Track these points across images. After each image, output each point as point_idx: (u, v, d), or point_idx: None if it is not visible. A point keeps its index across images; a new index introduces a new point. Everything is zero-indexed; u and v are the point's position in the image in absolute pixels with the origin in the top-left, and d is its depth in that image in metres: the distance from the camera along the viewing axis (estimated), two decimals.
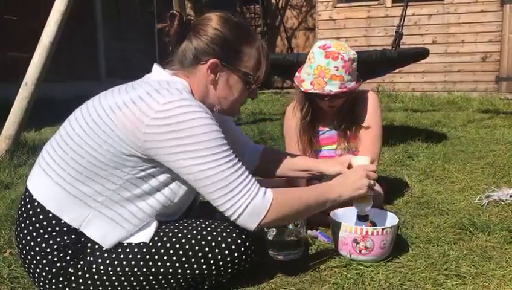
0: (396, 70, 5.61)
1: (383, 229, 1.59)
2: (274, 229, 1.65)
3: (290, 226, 1.65)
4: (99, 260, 1.35)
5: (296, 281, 1.53)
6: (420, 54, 3.85)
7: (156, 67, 1.46)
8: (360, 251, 1.58)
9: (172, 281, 1.37)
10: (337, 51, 1.95)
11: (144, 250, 1.36)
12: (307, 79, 2.01)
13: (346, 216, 1.72)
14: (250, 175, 1.36)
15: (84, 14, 7.28)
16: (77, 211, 1.33)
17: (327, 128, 2.18)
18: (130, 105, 1.29)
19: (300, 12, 9.32)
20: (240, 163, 1.35)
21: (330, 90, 1.95)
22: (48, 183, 1.34)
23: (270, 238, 1.64)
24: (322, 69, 1.95)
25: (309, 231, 1.86)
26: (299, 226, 1.65)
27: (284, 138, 2.31)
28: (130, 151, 1.29)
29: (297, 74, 2.11)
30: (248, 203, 1.32)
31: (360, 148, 2.08)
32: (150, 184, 1.35)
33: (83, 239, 1.35)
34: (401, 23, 3.76)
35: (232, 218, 1.33)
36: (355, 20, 7.83)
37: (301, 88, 2.03)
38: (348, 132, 2.10)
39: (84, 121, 1.34)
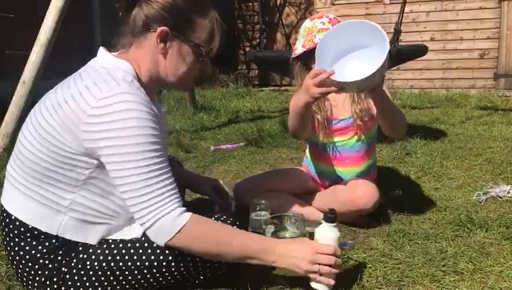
0: (395, 67, 5.61)
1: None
2: (272, 226, 1.64)
3: (288, 223, 1.65)
4: (93, 257, 1.35)
5: (293, 276, 1.53)
6: (419, 50, 3.85)
7: (100, 51, 1.41)
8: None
9: (167, 274, 1.37)
10: (321, 14, 2.01)
11: (137, 245, 1.36)
12: (298, 45, 1.99)
13: (332, 46, 1.61)
14: (173, 189, 1.28)
15: (81, 11, 7.26)
16: (51, 218, 1.32)
17: (339, 118, 2.05)
18: (70, 102, 1.25)
19: (299, 10, 9.29)
20: (167, 174, 1.28)
21: (320, 39, 1.83)
22: (18, 197, 1.34)
23: (268, 235, 1.64)
24: (310, 28, 1.96)
25: (308, 228, 1.86)
26: (297, 222, 1.64)
27: (284, 133, 2.28)
28: (76, 150, 1.27)
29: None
30: (156, 219, 1.24)
31: None
32: (108, 182, 1.32)
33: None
34: (400, 20, 3.76)
35: (143, 228, 1.27)
36: (354, 17, 7.81)
37: (294, 54, 2.00)
38: (361, 109, 1.98)
39: (33, 126, 1.31)
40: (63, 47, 4.37)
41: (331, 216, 1.39)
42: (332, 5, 8.03)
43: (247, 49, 9.10)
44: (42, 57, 3.23)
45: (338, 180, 2.06)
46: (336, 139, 2.05)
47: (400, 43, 3.79)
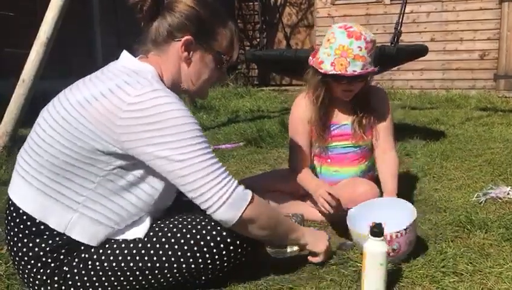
0: (395, 68, 5.61)
1: (405, 229, 1.55)
2: None
3: None
4: (95, 257, 1.35)
5: (293, 278, 1.53)
6: (419, 51, 3.85)
7: (125, 54, 1.43)
8: (388, 254, 1.43)
9: (168, 275, 1.37)
10: (359, 31, 1.86)
11: (139, 245, 1.36)
12: (326, 60, 1.89)
13: (363, 216, 1.67)
14: (227, 170, 1.35)
15: (81, 10, 7.25)
16: (61, 214, 1.32)
17: (340, 123, 2.05)
18: (100, 99, 1.27)
19: (300, 10, 9.29)
20: (216, 157, 1.34)
21: (354, 71, 1.84)
22: (29, 191, 1.33)
23: None
24: (345, 48, 1.84)
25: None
26: (296, 222, 1.64)
27: (284, 133, 2.29)
28: (105, 146, 1.27)
29: (311, 58, 1.99)
30: (230, 194, 1.29)
31: (378, 140, 2.07)
32: (126, 180, 1.33)
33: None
34: (400, 20, 3.76)
35: (210, 210, 1.29)
36: (354, 17, 7.80)
37: (320, 70, 1.90)
38: (364, 121, 2.02)
39: (54, 120, 1.31)
40: (63, 46, 4.36)
41: (377, 230, 1.39)
42: (333, 5, 8.02)
43: (248, 48, 9.10)
44: (42, 55, 3.23)
45: (337, 180, 2.06)
46: (333, 143, 2.06)
47: (400, 44, 3.78)
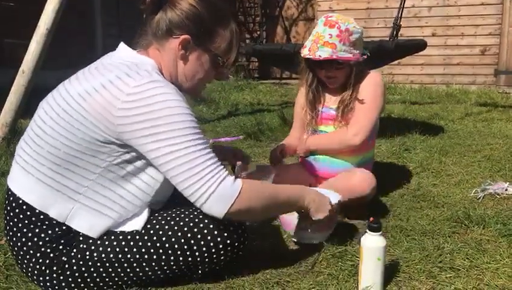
0: (395, 62, 5.59)
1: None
2: None
3: None
4: (93, 247, 1.35)
5: (290, 271, 1.54)
6: (418, 46, 3.84)
7: (122, 46, 1.44)
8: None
9: (165, 267, 1.38)
10: (336, 20, 1.99)
11: (137, 237, 1.37)
12: (307, 46, 2.03)
13: None
14: (219, 161, 1.32)
15: (82, 1, 7.22)
16: (61, 204, 1.33)
17: (328, 107, 2.15)
18: (100, 90, 1.27)
19: (300, 3, 9.25)
20: (209, 148, 1.32)
21: (319, 56, 1.96)
22: (29, 181, 1.34)
23: None
24: (318, 35, 1.99)
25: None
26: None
27: (283, 127, 2.33)
28: (105, 137, 1.28)
29: None
30: (216, 187, 1.27)
31: (352, 119, 2.06)
32: (127, 171, 1.34)
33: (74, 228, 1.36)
34: (399, 14, 3.74)
35: (198, 203, 1.28)
36: (355, 11, 7.78)
37: (301, 54, 2.05)
38: (348, 107, 2.06)
39: (55, 112, 1.32)
40: (63, 37, 4.35)
41: (375, 225, 1.40)
42: None
43: (248, 41, 9.07)
44: (42, 46, 3.22)
45: (332, 170, 2.10)
46: (322, 127, 2.16)
47: (399, 38, 3.77)
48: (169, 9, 1.39)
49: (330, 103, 2.15)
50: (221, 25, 1.45)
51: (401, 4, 3.80)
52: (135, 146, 1.29)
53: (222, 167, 1.32)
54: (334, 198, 1.66)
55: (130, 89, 1.26)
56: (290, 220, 1.72)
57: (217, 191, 1.27)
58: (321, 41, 1.97)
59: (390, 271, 1.50)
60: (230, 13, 1.50)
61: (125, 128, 1.26)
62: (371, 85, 2.08)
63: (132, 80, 1.27)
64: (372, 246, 1.40)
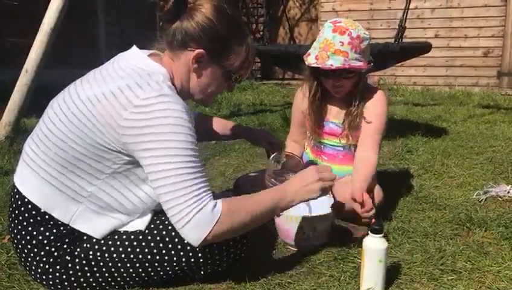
0: (398, 64, 5.59)
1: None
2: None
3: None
4: (96, 247, 1.36)
5: (292, 273, 1.54)
6: (422, 48, 3.83)
7: (135, 49, 1.42)
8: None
9: (168, 268, 1.39)
10: (346, 26, 1.87)
11: (140, 237, 1.37)
12: (312, 53, 1.93)
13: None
14: (207, 186, 1.29)
15: (85, 1, 7.24)
16: (66, 206, 1.33)
17: (332, 121, 2.08)
18: (109, 98, 1.27)
19: (303, 3, 9.25)
20: (202, 172, 1.29)
21: (331, 65, 1.85)
22: (35, 180, 1.34)
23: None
24: (328, 42, 1.87)
25: None
26: (276, 176, 1.70)
27: (285, 127, 2.31)
28: (110, 145, 1.28)
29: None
30: (193, 215, 1.23)
31: (359, 140, 2.01)
32: (131, 180, 1.34)
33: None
34: (404, 16, 3.74)
35: (177, 227, 1.25)
36: (358, 12, 7.78)
37: (306, 62, 1.95)
38: (355, 122, 2.00)
39: (64, 115, 1.32)
40: (66, 36, 4.36)
41: (377, 227, 1.40)
42: None
43: None
44: (45, 45, 3.23)
45: (339, 177, 2.06)
46: (325, 140, 2.11)
47: (404, 40, 3.76)
48: (186, 20, 1.37)
49: (332, 115, 2.08)
50: (237, 41, 1.43)
51: (406, 6, 3.79)
52: (136, 157, 1.29)
53: (208, 192, 1.27)
54: (327, 205, 1.68)
55: (139, 101, 1.25)
56: (287, 231, 1.70)
57: (193, 220, 1.23)
58: (332, 49, 1.86)
59: (391, 273, 1.50)
60: (246, 28, 1.48)
61: (128, 138, 1.26)
62: (380, 103, 2.01)
63: (142, 92, 1.26)
64: (373, 248, 1.40)
